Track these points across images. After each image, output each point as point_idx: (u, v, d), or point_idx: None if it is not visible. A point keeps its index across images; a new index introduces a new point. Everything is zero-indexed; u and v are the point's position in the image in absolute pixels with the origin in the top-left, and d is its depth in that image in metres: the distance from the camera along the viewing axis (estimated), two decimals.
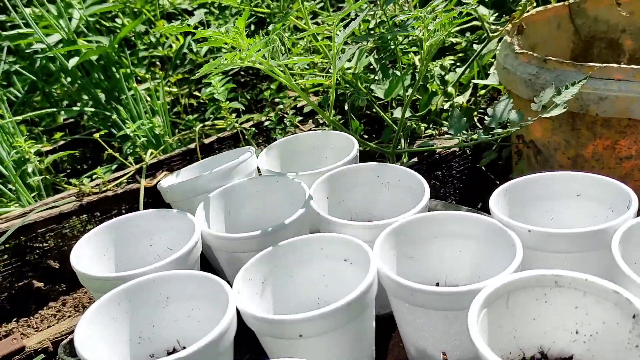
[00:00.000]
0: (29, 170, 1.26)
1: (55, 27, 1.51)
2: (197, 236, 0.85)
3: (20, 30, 1.49)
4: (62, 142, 1.74)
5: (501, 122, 0.91)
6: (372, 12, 1.12)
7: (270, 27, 1.06)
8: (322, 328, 0.66)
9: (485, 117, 0.92)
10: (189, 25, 0.88)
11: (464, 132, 0.94)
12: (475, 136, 0.91)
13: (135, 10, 1.73)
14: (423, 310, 0.69)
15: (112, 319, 0.74)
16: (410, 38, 1.34)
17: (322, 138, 1.08)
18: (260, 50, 0.73)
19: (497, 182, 1.52)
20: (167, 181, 1.03)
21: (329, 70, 1.00)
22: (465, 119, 0.93)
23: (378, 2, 0.97)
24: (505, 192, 0.85)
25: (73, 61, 1.40)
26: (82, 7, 1.60)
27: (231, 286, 0.74)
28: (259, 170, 1.04)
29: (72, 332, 0.92)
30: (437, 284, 0.82)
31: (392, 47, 1.26)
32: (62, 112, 1.87)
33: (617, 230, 0.71)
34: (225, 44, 0.82)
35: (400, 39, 1.29)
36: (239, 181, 0.96)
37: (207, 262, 1.04)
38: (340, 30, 0.80)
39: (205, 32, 0.77)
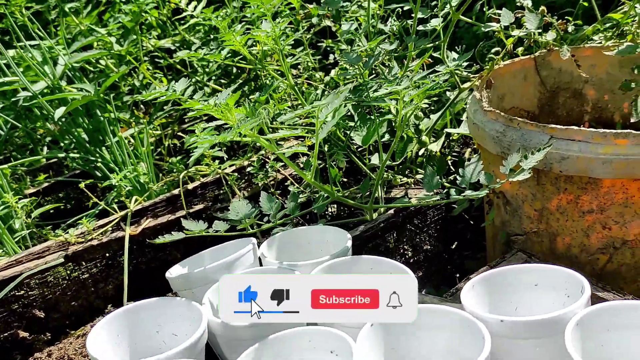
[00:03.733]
0: (16, 226, 1.28)
1: (40, 75, 1.54)
2: (204, 325, 0.91)
3: (7, 79, 1.51)
4: (45, 184, 1.76)
5: (472, 183, 0.98)
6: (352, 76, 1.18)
7: (256, 95, 1.11)
8: None
9: (457, 177, 0.98)
10: (175, 91, 0.93)
11: (438, 189, 1.00)
12: (447, 195, 0.97)
13: (118, 53, 1.76)
14: None
15: None
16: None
17: (319, 233, 1.16)
18: (249, 125, 0.78)
19: (471, 222, 1.59)
20: (175, 271, 1.10)
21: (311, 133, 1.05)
22: (437, 177, 0.99)
23: (358, 68, 1.03)
24: (472, 287, 0.92)
25: (59, 111, 1.44)
26: (66, 53, 1.63)
27: None
28: (259, 260, 1.10)
29: None
30: None
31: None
32: (45, 152, 1.89)
33: (572, 318, 0.78)
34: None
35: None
36: (243, 272, 1.03)
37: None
38: (322, 110, 0.86)
39: (195, 103, 0.82)
